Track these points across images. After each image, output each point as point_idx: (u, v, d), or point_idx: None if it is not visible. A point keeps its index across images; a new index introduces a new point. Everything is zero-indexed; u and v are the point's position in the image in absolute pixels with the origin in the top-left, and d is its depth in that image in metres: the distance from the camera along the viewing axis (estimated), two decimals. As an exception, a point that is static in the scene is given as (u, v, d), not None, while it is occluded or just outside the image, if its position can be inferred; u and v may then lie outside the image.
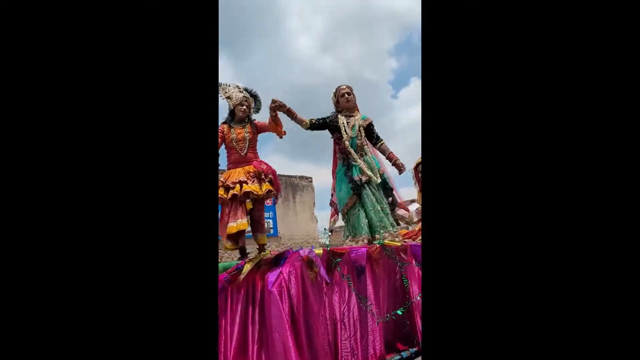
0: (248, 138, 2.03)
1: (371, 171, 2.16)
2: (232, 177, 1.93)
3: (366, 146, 2.26)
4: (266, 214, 6.85)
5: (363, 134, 2.25)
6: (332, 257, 1.53)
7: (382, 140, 2.36)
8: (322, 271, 1.45)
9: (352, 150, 2.19)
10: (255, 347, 1.38)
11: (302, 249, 1.52)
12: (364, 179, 2.14)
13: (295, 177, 10.05)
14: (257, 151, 2.10)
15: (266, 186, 1.92)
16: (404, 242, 2.07)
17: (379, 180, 2.19)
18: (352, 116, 2.30)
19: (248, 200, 1.94)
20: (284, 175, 7.44)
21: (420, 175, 3.02)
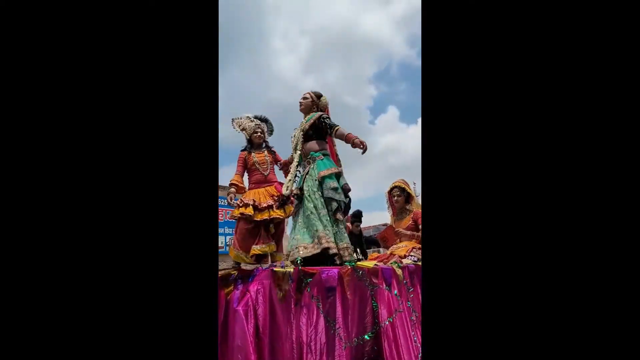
0: (269, 160, 2.32)
1: (288, 184, 2.13)
2: (258, 198, 2.14)
3: (313, 152, 2.18)
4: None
5: (301, 139, 2.22)
6: (302, 277, 1.50)
7: (336, 126, 2.19)
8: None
9: (294, 162, 2.21)
10: (215, 370, 1.29)
11: (273, 265, 1.47)
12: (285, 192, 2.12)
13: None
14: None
15: (289, 209, 2.19)
16: (376, 265, 2.06)
17: (285, 193, 2.10)
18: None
19: (271, 225, 2.18)
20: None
21: (394, 199, 3.06)
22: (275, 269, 1.42)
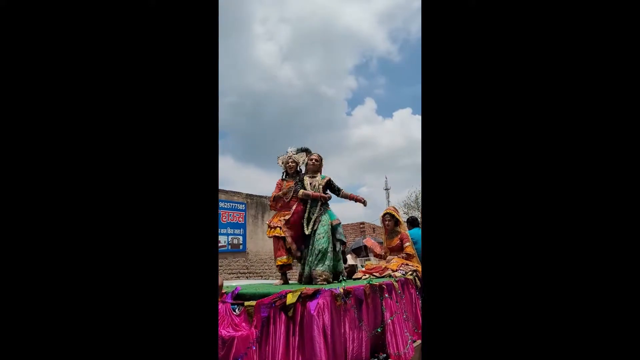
0: (292, 189, 3.07)
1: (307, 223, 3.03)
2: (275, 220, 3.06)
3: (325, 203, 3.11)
4: (237, 231, 7.33)
5: (320, 191, 3.09)
6: (346, 293, 2.36)
7: (341, 189, 3.25)
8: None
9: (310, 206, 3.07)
10: (297, 352, 2.12)
11: (333, 289, 2.32)
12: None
13: (265, 197, 10.63)
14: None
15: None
16: (383, 282, 2.98)
17: (307, 232, 3.01)
18: (314, 177, 3.22)
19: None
20: (255, 195, 8.00)
21: (385, 223, 3.99)
22: (336, 291, 2.28)
